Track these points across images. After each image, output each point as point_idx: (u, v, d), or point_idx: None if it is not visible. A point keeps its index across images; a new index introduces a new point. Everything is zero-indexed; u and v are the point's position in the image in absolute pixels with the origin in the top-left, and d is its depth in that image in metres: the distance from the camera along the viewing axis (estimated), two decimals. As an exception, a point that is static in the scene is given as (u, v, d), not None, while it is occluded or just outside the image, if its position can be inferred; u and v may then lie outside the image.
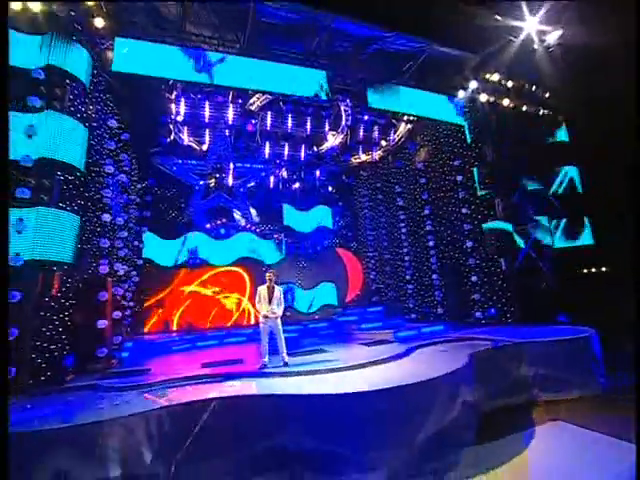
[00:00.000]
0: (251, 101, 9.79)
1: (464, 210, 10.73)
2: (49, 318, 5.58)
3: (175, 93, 9.11)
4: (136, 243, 11.02)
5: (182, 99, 9.57)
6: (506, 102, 10.80)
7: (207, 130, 10.63)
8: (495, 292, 9.94)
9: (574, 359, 6.47)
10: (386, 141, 12.54)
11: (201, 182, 11.67)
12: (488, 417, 5.54)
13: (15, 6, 5.99)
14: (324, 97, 9.08)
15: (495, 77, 10.82)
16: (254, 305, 6.81)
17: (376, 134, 12.15)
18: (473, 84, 10.48)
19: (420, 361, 6.13)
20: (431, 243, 11.94)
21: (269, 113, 10.68)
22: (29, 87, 5.82)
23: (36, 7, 6.22)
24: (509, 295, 9.73)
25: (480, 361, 5.90)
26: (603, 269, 12.83)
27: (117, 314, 7.93)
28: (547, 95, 11.51)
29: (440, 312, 11.59)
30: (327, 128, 11.35)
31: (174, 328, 11.99)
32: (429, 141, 12.06)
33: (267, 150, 12.01)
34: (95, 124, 7.58)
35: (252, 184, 12.78)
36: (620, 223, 11.99)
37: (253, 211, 13.01)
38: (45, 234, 5.65)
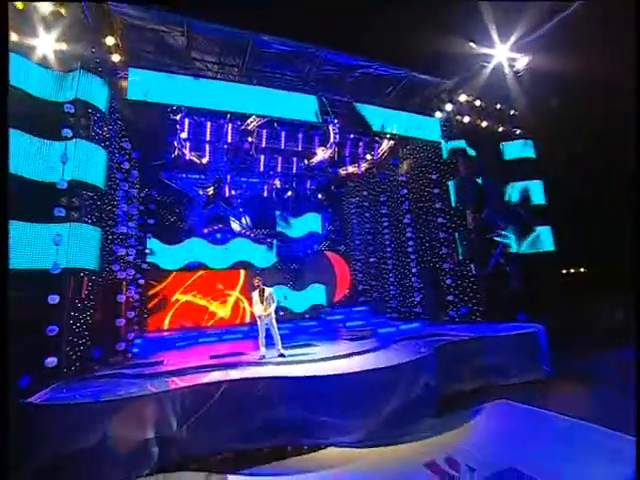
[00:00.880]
0: (248, 121, 10.87)
1: (440, 219, 11.73)
2: (80, 317, 6.60)
3: (180, 115, 10.14)
4: (141, 248, 11.98)
5: (186, 120, 10.61)
6: (478, 121, 12.10)
7: (207, 146, 11.67)
8: (467, 294, 10.94)
9: (521, 350, 7.74)
10: (371, 155, 13.70)
11: (201, 192, 12.74)
12: (445, 398, 6.70)
13: (49, 46, 6.94)
14: (314, 119, 10.19)
15: (469, 99, 12.11)
16: (251, 305, 7.93)
17: (361, 149, 13.30)
18: (449, 106, 11.72)
19: (392, 352, 7.31)
20: (411, 249, 12.98)
21: (264, 131, 11.75)
22: (62, 120, 6.79)
23: (63, 47, 7.19)
24: (479, 296, 10.73)
25: (441, 352, 7.10)
26: (564, 271, 14.21)
27: (130, 313, 8.97)
28: (515, 114, 12.82)
29: (419, 311, 12.65)
30: (317, 144, 12.46)
31: (176, 327, 12.93)
32: (410, 156, 13.20)
33: (262, 163, 13.14)
34: (111, 146, 8.56)
35: (248, 194, 13.90)
36: (579, 231, 13.37)
37: (248, 219, 14.12)
38: (76, 245, 6.61)
